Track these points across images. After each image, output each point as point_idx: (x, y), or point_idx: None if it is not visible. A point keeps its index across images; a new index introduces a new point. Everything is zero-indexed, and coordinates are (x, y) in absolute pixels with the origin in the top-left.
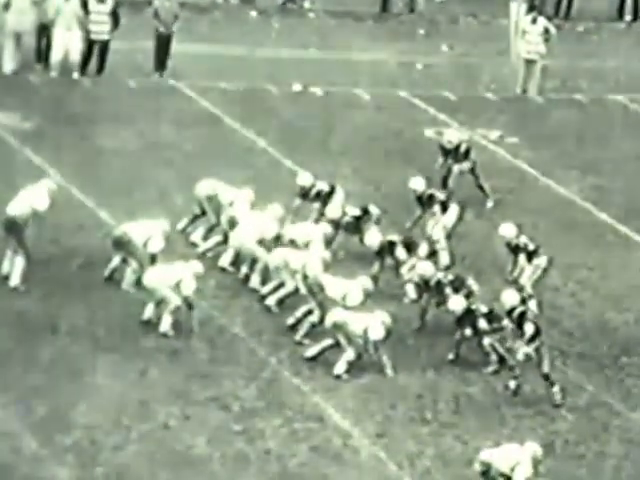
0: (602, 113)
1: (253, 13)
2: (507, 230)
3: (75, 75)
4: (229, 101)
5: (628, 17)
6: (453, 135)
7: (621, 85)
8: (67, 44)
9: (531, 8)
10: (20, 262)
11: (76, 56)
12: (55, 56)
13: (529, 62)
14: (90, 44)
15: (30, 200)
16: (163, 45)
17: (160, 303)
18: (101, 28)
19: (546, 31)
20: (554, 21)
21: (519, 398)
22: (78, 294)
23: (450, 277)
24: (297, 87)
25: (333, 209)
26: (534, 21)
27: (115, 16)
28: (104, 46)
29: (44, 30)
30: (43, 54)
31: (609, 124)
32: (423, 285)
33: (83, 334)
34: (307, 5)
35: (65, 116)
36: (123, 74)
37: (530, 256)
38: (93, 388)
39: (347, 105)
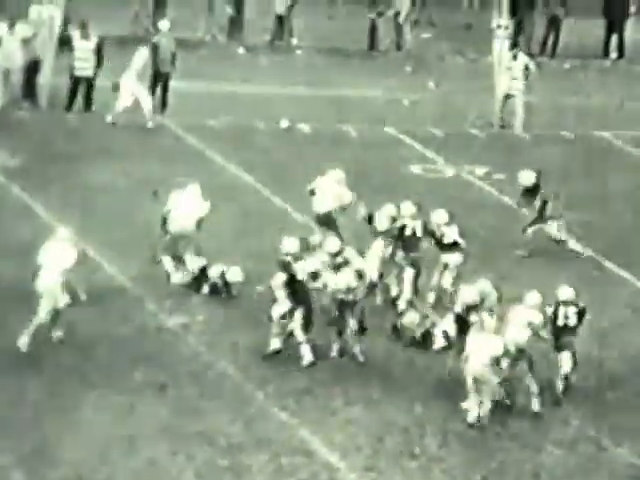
0: (588, 150)
1: (241, 50)
2: (438, 216)
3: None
4: (216, 138)
5: (614, 55)
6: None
7: (606, 122)
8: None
9: (513, 45)
10: None
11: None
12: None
13: (510, 97)
14: (75, 81)
15: (57, 266)
16: (161, 84)
17: None
18: (85, 65)
19: (526, 67)
20: (540, 59)
21: (506, 432)
22: (63, 330)
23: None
24: (284, 123)
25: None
26: (515, 57)
27: (99, 53)
28: (89, 83)
29: (33, 67)
30: (31, 91)
31: (594, 161)
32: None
33: (70, 369)
34: (295, 42)
35: (52, 153)
36: (110, 112)
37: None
38: (80, 423)
39: (334, 141)
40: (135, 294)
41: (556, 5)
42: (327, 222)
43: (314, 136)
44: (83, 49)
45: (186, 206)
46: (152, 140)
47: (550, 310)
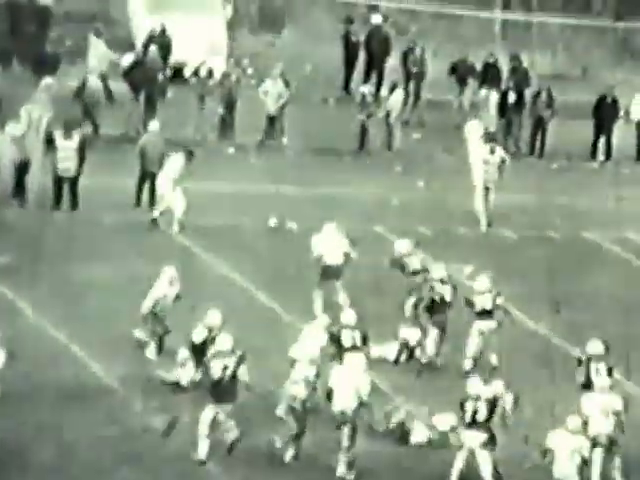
0: (574, 250)
1: (231, 149)
2: (401, 245)
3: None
4: (204, 236)
5: (601, 157)
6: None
7: (593, 223)
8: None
9: (491, 139)
10: None
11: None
12: None
13: (487, 190)
14: (58, 181)
15: None
16: (150, 183)
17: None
18: (68, 165)
19: (503, 161)
20: (529, 159)
21: None
22: (50, 429)
23: None
24: (272, 222)
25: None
26: (492, 151)
27: (82, 152)
28: (73, 182)
29: (23, 166)
30: (21, 190)
31: (581, 261)
32: None
33: (55, 469)
34: (285, 142)
35: (40, 251)
36: (98, 210)
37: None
38: None
39: None
40: (121, 393)
41: (542, 106)
42: (337, 274)
43: (303, 235)
44: (65, 148)
45: (161, 288)
46: (140, 238)
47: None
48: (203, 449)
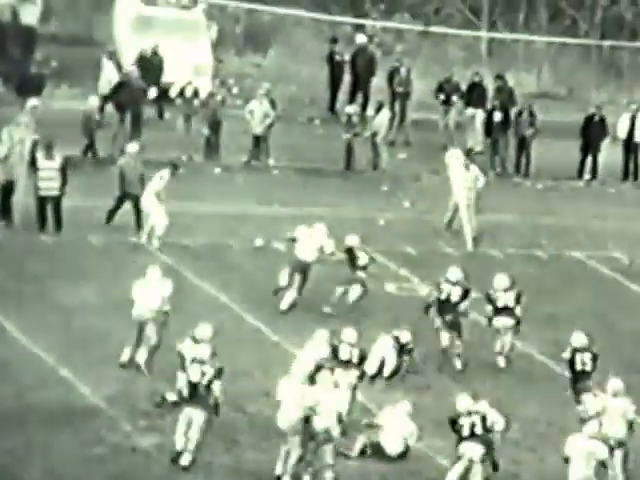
0: (560, 269)
1: (217, 170)
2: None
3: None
4: (190, 256)
5: (587, 176)
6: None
7: (579, 242)
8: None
9: (467, 153)
10: None
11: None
12: None
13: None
14: (41, 201)
15: None
16: (133, 206)
17: None
18: (50, 184)
19: (477, 178)
20: (516, 179)
21: None
22: (38, 450)
23: None
24: (259, 242)
25: None
26: (467, 168)
27: (64, 172)
28: (56, 203)
29: (9, 188)
30: (7, 211)
31: (567, 280)
32: None
33: None
34: (271, 162)
35: (27, 273)
36: (84, 231)
37: None
38: None
39: None
40: (109, 414)
41: (525, 125)
42: (305, 271)
43: (289, 255)
44: (48, 169)
45: (146, 292)
46: (126, 259)
47: (567, 356)
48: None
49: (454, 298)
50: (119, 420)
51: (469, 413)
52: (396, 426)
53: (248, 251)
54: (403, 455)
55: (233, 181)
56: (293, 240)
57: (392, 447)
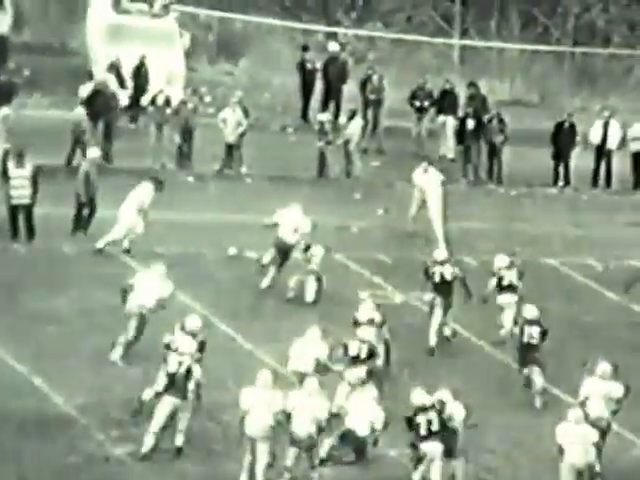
0: (534, 276)
1: (190, 178)
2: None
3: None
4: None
5: (560, 183)
6: None
7: (553, 249)
8: None
9: (423, 158)
10: None
11: None
12: None
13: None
14: (12, 210)
15: None
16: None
17: None
18: (22, 192)
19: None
20: (490, 186)
21: None
22: (12, 459)
23: None
24: (232, 251)
25: None
26: (426, 171)
27: (35, 181)
28: (28, 211)
29: None
30: None
31: (541, 286)
32: None
33: None
34: (244, 170)
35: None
36: (56, 240)
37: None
38: None
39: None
40: (83, 423)
41: (494, 132)
42: (286, 253)
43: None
44: (19, 177)
45: (147, 284)
46: (99, 268)
47: (517, 329)
48: (148, 444)
49: (448, 277)
50: (93, 429)
51: (425, 409)
52: (362, 410)
53: (221, 260)
54: (374, 443)
55: (206, 190)
56: (275, 225)
57: (361, 429)
